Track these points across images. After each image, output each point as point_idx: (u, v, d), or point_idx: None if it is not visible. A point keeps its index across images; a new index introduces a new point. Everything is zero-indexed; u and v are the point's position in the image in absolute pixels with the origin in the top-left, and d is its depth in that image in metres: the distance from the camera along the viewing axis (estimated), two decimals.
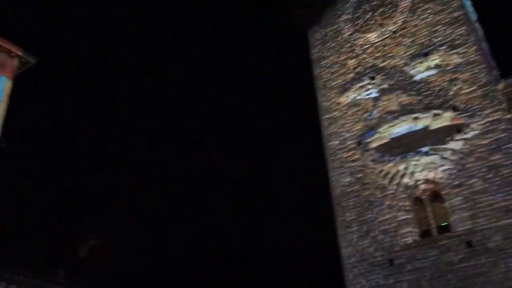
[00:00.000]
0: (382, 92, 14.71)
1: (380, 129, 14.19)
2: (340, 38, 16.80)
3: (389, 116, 14.19)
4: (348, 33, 16.72)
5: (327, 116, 15.78)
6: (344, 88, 15.70)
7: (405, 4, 15.63)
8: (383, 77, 14.88)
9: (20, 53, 24.79)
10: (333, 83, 16.14)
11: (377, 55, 15.53)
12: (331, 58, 16.83)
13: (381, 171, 13.73)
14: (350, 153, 14.63)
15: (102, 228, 47.67)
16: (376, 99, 14.84)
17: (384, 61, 15.22)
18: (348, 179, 14.38)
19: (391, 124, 13.97)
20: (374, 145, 14.18)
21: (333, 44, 17.01)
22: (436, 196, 12.75)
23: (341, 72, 16.23)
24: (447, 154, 12.77)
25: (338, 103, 15.76)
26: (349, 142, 14.80)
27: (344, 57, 16.36)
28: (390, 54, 15.17)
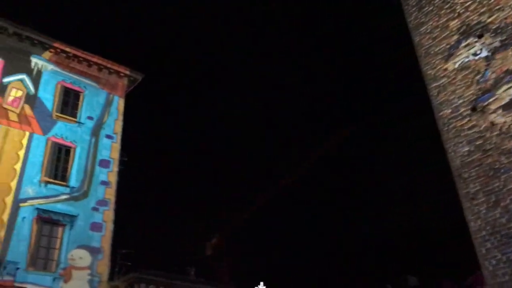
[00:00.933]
0: (494, 50, 13.48)
1: (498, 91, 13.04)
2: (436, 0, 15.75)
3: (507, 76, 12.96)
4: None
5: (435, 84, 14.90)
6: (450, 53, 14.68)
7: None
8: (493, 34, 13.65)
9: (128, 72, 26.80)
10: (436, 49, 15.17)
11: (482, 10, 14.24)
12: (430, 23, 15.80)
13: (504, 135, 12.63)
14: (465, 121, 13.65)
15: (224, 227, 49.79)
16: (488, 58, 13.64)
17: (491, 16, 13.92)
18: (467, 148, 13.44)
19: (511, 84, 12.77)
20: (492, 108, 13.09)
21: (430, 8, 15.94)
22: None
23: (443, 36, 15.18)
24: None
25: (445, 69, 14.77)
26: (462, 109, 13.82)
27: (445, 19, 15.27)
28: (497, 7, 13.83)
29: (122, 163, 24.40)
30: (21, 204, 20.18)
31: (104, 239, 21.86)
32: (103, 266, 21.38)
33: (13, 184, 20.32)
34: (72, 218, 21.19)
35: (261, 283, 29.80)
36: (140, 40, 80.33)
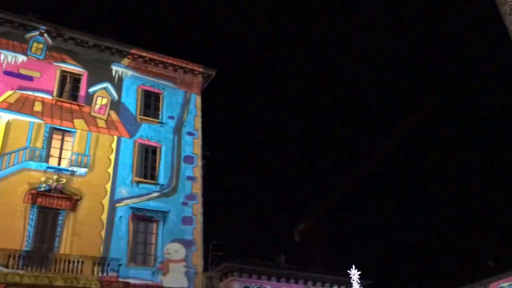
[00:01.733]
0: None
1: None
2: None
3: None
4: None
5: None
6: None
7: None
8: None
9: (201, 70, 27.43)
10: None
11: None
12: None
13: None
14: None
15: (312, 213, 49.63)
16: None
17: None
18: None
19: None
20: None
21: None
22: None
23: None
24: None
25: None
26: None
27: None
28: None
29: (205, 157, 25.16)
30: (117, 204, 21.52)
31: (195, 232, 22.72)
32: (197, 257, 22.24)
33: (108, 186, 21.71)
34: (164, 214, 22.23)
35: (353, 266, 29.40)
36: (208, 37, 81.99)
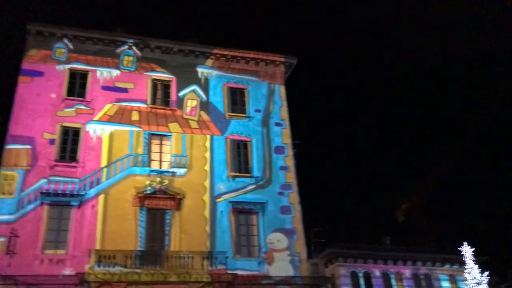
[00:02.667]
0: None
1: None
2: None
3: None
4: None
5: None
6: None
7: None
8: None
9: (282, 59, 27.51)
10: None
11: None
12: None
13: None
14: None
15: (415, 190, 47.69)
16: None
17: None
18: None
19: None
20: None
21: None
22: None
23: None
24: None
25: None
26: None
27: None
28: None
29: (295, 146, 25.23)
30: (217, 200, 22.35)
31: (295, 220, 22.91)
32: (300, 245, 22.41)
33: (207, 183, 22.62)
34: (262, 205, 22.68)
35: (465, 243, 27.82)
36: (285, 26, 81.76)
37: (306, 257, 22.45)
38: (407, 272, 35.54)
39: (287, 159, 24.45)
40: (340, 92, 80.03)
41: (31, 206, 19.93)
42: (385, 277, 35.07)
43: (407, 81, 74.39)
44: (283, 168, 24.12)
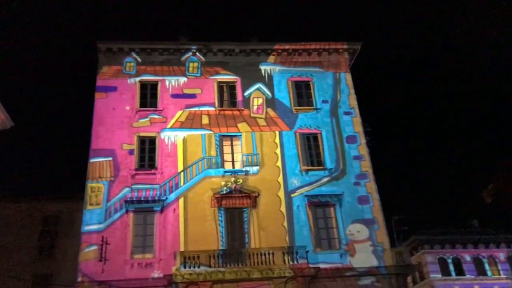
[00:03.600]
0: None
1: None
2: None
3: None
4: None
5: None
6: None
7: None
8: None
9: (345, 46, 26.91)
10: None
11: None
12: None
13: None
14: None
15: (500, 171, 44.90)
16: None
17: None
18: None
19: None
20: None
21: None
22: None
23: None
24: None
25: None
26: None
27: None
28: None
29: (367, 134, 24.58)
30: (292, 195, 22.33)
31: (374, 210, 22.35)
32: (382, 235, 21.81)
33: (280, 179, 22.68)
34: (338, 197, 22.35)
35: None
36: (344, 11, 79.92)
37: (389, 246, 21.81)
38: (501, 255, 33.52)
39: (360, 148, 23.89)
40: (410, 73, 76.94)
41: (118, 215, 21.08)
42: (477, 261, 33.32)
43: (477, 59, 70.03)
44: (357, 157, 23.60)
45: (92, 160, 22.18)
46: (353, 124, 24.49)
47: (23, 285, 24.76)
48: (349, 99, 25.28)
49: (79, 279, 19.60)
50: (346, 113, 24.81)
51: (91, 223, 20.74)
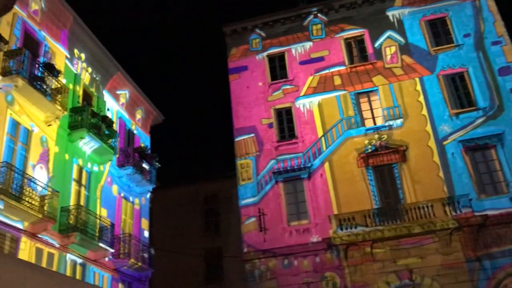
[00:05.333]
0: None
1: None
2: None
3: None
4: None
5: None
6: None
7: None
8: None
9: None
10: None
11: None
12: None
13: None
14: None
15: None
16: None
17: None
18: None
19: None
20: None
21: None
22: None
23: None
24: None
25: None
26: None
27: None
28: None
29: None
30: (444, 143, 20.79)
31: None
32: None
33: (428, 128, 21.24)
34: (498, 136, 20.20)
35: None
36: None
37: None
38: None
39: None
40: None
41: (268, 186, 21.92)
42: None
43: None
44: None
45: (237, 139, 23.29)
46: (504, 54, 21.71)
47: (197, 259, 27.32)
48: (496, 27, 22.41)
49: (245, 249, 20.96)
50: (494, 43, 22.05)
51: (246, 197, 21.93)
